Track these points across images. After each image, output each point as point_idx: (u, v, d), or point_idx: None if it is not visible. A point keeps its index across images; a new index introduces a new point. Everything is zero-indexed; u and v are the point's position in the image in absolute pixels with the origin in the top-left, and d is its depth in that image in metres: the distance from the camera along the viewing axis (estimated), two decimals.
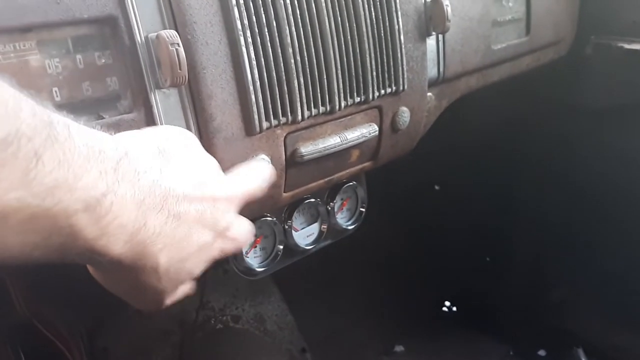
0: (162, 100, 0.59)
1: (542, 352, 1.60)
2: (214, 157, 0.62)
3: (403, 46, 0.80)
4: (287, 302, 1.54)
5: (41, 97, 0.52)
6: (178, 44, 0.56)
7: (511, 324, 1.64)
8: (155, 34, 0.56)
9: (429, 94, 0.92)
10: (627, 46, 1.26)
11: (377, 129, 0.82)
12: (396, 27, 0.79)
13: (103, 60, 0.56)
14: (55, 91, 0.54)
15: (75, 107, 0.55)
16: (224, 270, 1.41)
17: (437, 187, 1.83)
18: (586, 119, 1.39)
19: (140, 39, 0.56)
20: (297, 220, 0.88)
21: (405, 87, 0.83)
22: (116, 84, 0.57)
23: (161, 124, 0.59)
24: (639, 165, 1.32)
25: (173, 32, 0.56)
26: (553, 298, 1.60)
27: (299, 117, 0.70)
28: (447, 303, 1.83)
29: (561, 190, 1.50)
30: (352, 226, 0.96)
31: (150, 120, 0.58)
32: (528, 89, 1.35)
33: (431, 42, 0.88)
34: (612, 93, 1.33)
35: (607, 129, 1.37)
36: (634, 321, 1.43)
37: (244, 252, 0.82)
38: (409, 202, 1.80)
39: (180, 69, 0.56)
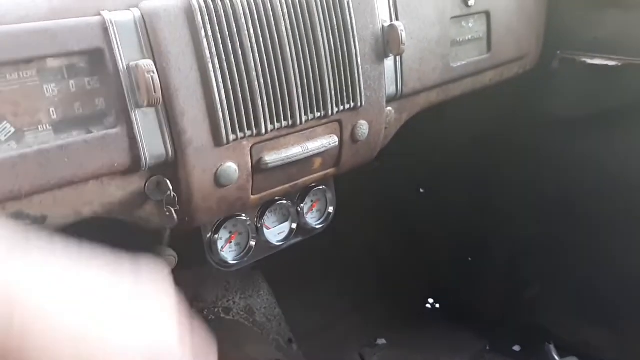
0: (142, 117, 0.71)
1: (516, 348, 1.70)
2: (186, 165, 0.75)
3: (360, 67, 0.92)
4: (275, 296, 1.66)
5: (40, 115, 0.64)
6: (153, 71, 0.68)
7: (489, 321, 1.74)
8: (135, 62, 0.68)
9: (389, 108, 1.03)
10: (589, 61, 1.36)
11: (337, 140, 0.93)
12: (353, 51, 0.90)
13: (92, 85, 0.68)
14: (52, 110, 0.66)
15: (68, 123, 0.67)
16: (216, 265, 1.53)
17: (421, 190, 1.93)
18: (555, 127, 1.49)
19: (123, 67, 0.69)
20: (269, 219, 1.00)
21: (363, 103, 0.94)
22: (103, 104, 0.69)
23: (141, 137, 0.71)
24: (604, 170, 1.42)
25: (149, 62, 0.68)
26: (527, 296, 1.70)
27: (263, 130, 0.82)
28: (430, 300, 1.93)
29: (534, 194, 1.59)
30: (321, 226, 1.07)
31: (131, 134, 0.71)
32: (501, 100, 1.45)
33: (389, 62, 0.99)
34: (578, 104, 1.43)
35: (574, 137, 1.47)
36: (603, 318, 1.52)
37: (219, 247, 0.94)
38: (395, 202, 1.91)
39: (155, 92, 0.68)
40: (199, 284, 1.53)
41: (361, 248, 1.86)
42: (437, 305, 1.93)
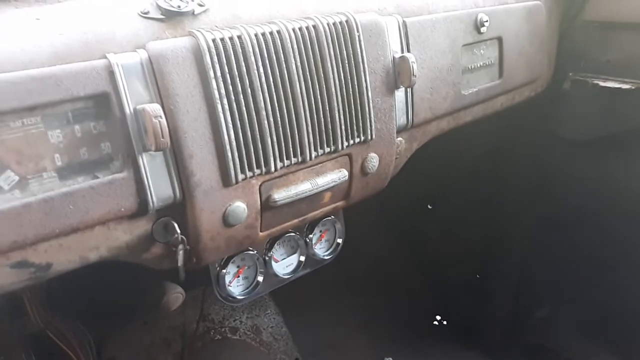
0: (149, 160, 0.70)
1: None
2: (195, 207, 0.73)
3: (371, 100, 0.90)
4: (282, 315, 1.65)
5: (45, 162, 0.63)
6: (161, 116, 0.66)
7: (496, 340, 1.73)
8: (142, 106, 0.67)
9: (399, 138, 1.01)
10: (601, 83, 1.34)
11: (347, 174, 0.92)
12: (364, 84, 0.89)
13: (98, 129, 0.67)
14: (57, 157, 0.65)
15: (73, 169, 0.66)
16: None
17: (430, 207, 1.92)
18: (565, 148, 1.47)
19: (129, 110, 0.67)
20: (277, 252, 0.99)
21: (374, 136, 0.92)
22: (109, 148, 0.68)
23: (148, 181, 0.70)
24: (615, 191, 1.40)
25: (156, 106, 0.67)
26: (536, 316, 1.68)
27: (273, 169, 0.81)
28: (438, 317, 1.92)
29: (543, 214, 1.58)
30: (330, 256, 1.06)
31: (138, 178, 0.69)
32: (511, 119, 1.43)
33: (400, 93, 0.98)
34: (589, 125, 1.41)
35: (585, 158, 1.45)
36: (612, 341, 1.50)
37: (227, 282, 0.93)
38: (403, 219, 1.90)
39: (162, 137, 0.66)
40: (206, 304, 1.52)
41: (369, 265, 1.85)
42: (445, 322, 1.92)
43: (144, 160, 0.69)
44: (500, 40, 1.17)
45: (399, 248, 1.92)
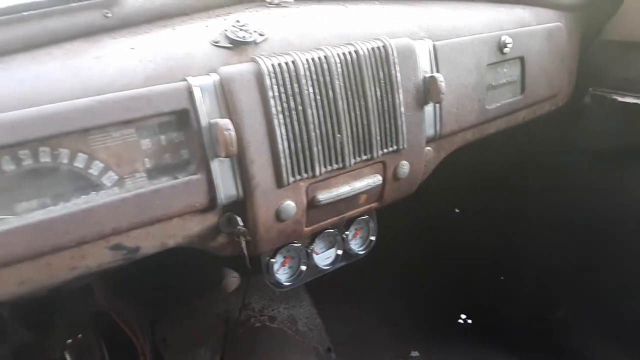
0: (219, 165, 0.85)
1: None
2: (254, 204, 0.88)
3: (403, 115, 1.03)
4: (316, 307, 1.79)
5: (137, 165, 0.79)
6: (230, 129, 0.81)
7: (519, 339, 1.82)
8: (215, 121, 0.82)
9: (428, 148, 1.14)
10: (620, 99, 1.44)
11: (381, 178, 1.05)
12: (397, 100, 1.02)
13: (179, 139, 0.82)
14: (147, 160, 0.80)
15: (159, 170, 0.81)
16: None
17: (457, 210, 2.03)
18: (585, 158, 1.58)
19: (205, 123, 0.82)
20: (317, 245, 1.12)
21: (405, 145, 1.05)
22: (187, 154, 0.83)
23: (217, 182, 0.85)
24: (630, 200, 1.50)
25: (227, 121, 0.81)
26: (557, 317, 1.77)
27: (318, 173, 0.95)
28: (463, 316, 2.02)
29: (565, 220, 1.68)
30: (363, 252, 1.19)
31: (209, 179, 0.84)
32: (535, 131, 1.54)
33: (429, 108, 1.10)
34: (608, 137, 1.52)
35: (604, 168, 1.55)
36: (634, 342, 1.58)
37: (275, 270, 1.07)
38: (432, 221, 2.01)
39: (232, 147, 0.81)
40: (248, 294, 1.67)
41: (399, 264, 1.97)
42: (469, 321, 2.02)
43: (214, 165, 0.84)
44: (522, 59, 1.29)
45: (426, 248, 2.03)
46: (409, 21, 1.11)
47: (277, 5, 1.01)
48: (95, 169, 0.76)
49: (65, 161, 0.74)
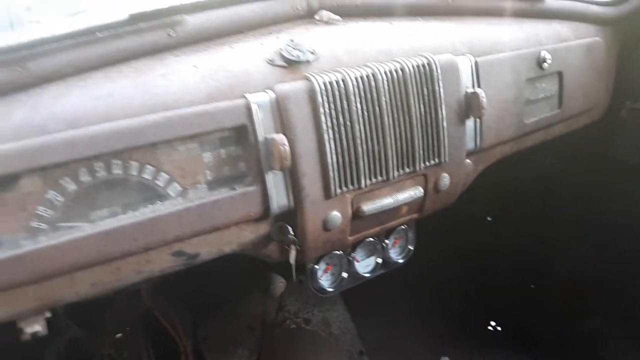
0: (273, 177, 0.90)
1: None
2: (303, 214, 0.92)
3: (445, 129, 1.07)
4: (349, 311, 1.83)
5: (199, 177, 0.84)
6: (285, 144, 0.86)
7: (548, 348, 1.84)
8: (271, 136, 0.86)
9: (467, 161, 1.17)
10: None
11: (423, 191, 1.09)
12: (440, 115, 1.06)
13: (237, 152, 0.87)
14: (208, 173, 0.85)
15: (218, 182, 0.86)
16: (299, 281, 1.72)
17: (489, 219, 2.05)
18: (621, 171, 1.59)
19: (261, 138, 0.87)
20: (359, 253, 1.17)
21: (447, 159, 1.09)
22: (244, 167, 0.88)
23: (271, 193, 0.89)
24: None
25: (282, 136, 0.86)
26: (587, 327, 1.79)
27: (363, 185, 0.99)
28: (493, 323, 2.05)
29: (597, 230, 1.69)
30: (402, 260, 1.23)
31: (264, 190, 0.89)
32: (570, 142, 1.56)
33: (470, 122, 1.14)
34: None
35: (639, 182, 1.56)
36: None
37: (318, 276, 1.12)
38: (464, 229, 2.04)
39: (286, 160, 0.86)
40: (285, 296, 1.72)
41: (430, 270, 2.00)
42: (499, 328, 2.04)
43: (269, 177, 0.89)
44: (560, 74, 1.31)
45: (459, 255, 2.06)
46: (451, 37, 1.15)
47: (326, 22, 1.06)
48: (161, 180, 0.81)
49: (135, 173, 0.79)
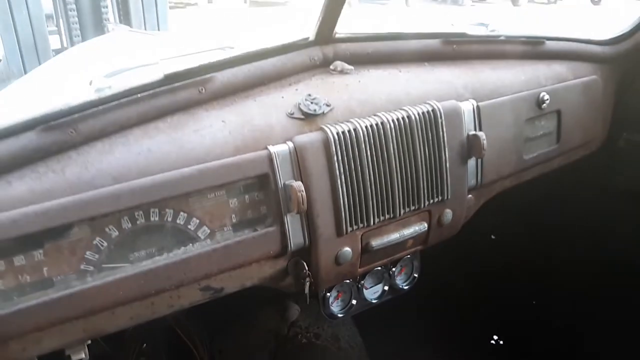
0: (291, 219, 1.00)
1: None
2: (317, 251, 1.02)
3: (448, 169, 1.16)
4: (358, 326, 1.93)
5: (225, 220, 0.94)
6: (302, 190, 0.96)
7: None
8: (290, 183, 0.96)
9: (469, 196, 1.27)
10: None
11: (427, 225, 1.18)
12: (444, 157, 1.15)
13: (259, 197, 0.97)
14: (233, 216, 0.95)
15: (242, 224, 0.97)
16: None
17: (493, 237, 2.14)
18: (618, 198, 1.67)
19: (281, 185, 0.97)
20: (367, 281, 1.26)
21: (449, 196, 1.18)
22: (265, 210, 0.98)
23: (289, 233, 0.99)
24: None
25: (300, 184, 0.96)
26: (586, 349, 1.87)
27: (372, 223, 1.09)
28: (495, 337, 2.14)
29: (597, 254, 1.77)
30: (407, 287, 1.33)
31: (283, 231, 0.99)
32: (570, 170, 1.64)
33: (471, 161, 1.23)
34: None
35: (636, 207, 1.64)
36: None
37: (330, 303, 1.22)
38: (468, 246, 2.13)
39: (303, 205, 0.96)
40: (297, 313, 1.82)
41: (435, 285, 2.09)
42: (501, 342, 2.13)
43: (287, 219, 0.99)
44: (559, 112, 1.40)
45: (463, 272, 2.14)
46: (455, 83, 1.24)
47: (340, 72, 1.15)
48: (192, 224, 0.92)
49: (169, 219, 0.90)
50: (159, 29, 3.75)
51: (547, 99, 1.34)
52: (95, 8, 3.41)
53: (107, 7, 3.48)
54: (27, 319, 0.81)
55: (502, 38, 1.36)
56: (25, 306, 0.80)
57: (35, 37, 3.45)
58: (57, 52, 3.67)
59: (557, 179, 1.72)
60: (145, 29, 3.66)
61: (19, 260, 0.80)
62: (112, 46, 2.19)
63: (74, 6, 3.35)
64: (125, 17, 3.65)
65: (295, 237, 1.01)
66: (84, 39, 3.41)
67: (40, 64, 3.49)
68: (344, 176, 1.03)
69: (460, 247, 2.10)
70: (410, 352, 1.96)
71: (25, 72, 3.51)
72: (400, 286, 1.31)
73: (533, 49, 1.40)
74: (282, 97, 1.05)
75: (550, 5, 19.11)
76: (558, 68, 1.43)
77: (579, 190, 1.77)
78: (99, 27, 3.41)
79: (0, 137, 0.80)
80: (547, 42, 1.42)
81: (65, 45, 3.74)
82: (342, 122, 1.04)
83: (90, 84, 0.97)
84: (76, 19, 3.38)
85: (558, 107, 1.39)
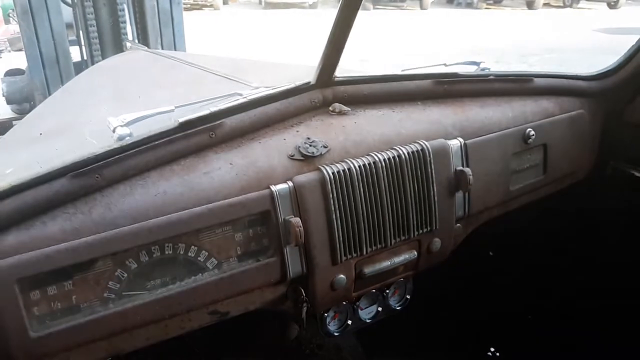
0: (290, 250, 1.11)
1: None
2: (314, 278, 1.14)
3: (436, 202, 1.27)
4: (358, 339, 2.04)
5: (231, 252, 1.06)
6: (300, 226, 1.07)
7: None
8: (289, 218, 1.08)
9: (458, 225, 1.37)
10: (637, 174, 1.63)
11: (416, 253, 1.29)
12: (432, 192, 1.26)
13: (261, 231, 1.09)
14: (238, 248, 1.07)
15: (246, 255, 1.08)
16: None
17: (491, 253, 2.23)
18: (607, 220, 1.76)
19: (281, 220, 1.09)
20: (362, 302, 1.37)
21: (437, 227, 1.29)
22: (267, 242, 1.10)
23: (288, 263, 1.11)
24: None
25: (298, 220, 1.08)
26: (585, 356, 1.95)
27: (364, 253, 1.20)
28: (492, 349, 2.23)
29: (593, 264, 1.85)
30: (400, 307, 1.43)
31: (283, 261, 1.11)
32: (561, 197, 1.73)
33: (459, 194, 1.33)
34: (629, 209, 1.70)
35: (624, 227, 1.73)
36: None
37: (327, 322, 1.33)
38: (466, 262, 2.22)
39: (301, 238, 1.07)
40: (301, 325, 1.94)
41: (434, 298, 2.19)
42: (497, 354, 2.23)
43: (287, 251, 1.11)
44: (545, 146, 1.50)
45: (461, 287, 2.24)
46: (444, 122, 1.34)
47: (339, 113, 1.27)
48: (202, 256, 1.04)
49: (182, 252, 1.02)
50: (175, 45, 3.91)
51: (533, 135, 1.44)
52: (114, 23, 3.56)
53: (125, 22, 3.62)
54: (57, 340, 0.93)
55: (491, 77, 1.46)
56: (56, 329, 0.93)
57: (57, 51, 3.61)
58: (77, 65, 3.84)
59: (548, 204, 1.82)
60: (162, 46, 3.81)
61: (51, 290, 0.93)
62: (131, 72, 2.33)
63: (94, 22, 3.50)
64: (142, 32, 3.80)
65: (294, 266, 1.13)
66: (103, 53, 3.56)
67: (61, 76, 3.65)
68: (339, 211, 1.14)
69: (458, 262, 2.21)
70: None
71: (48, 85, 3.68)
72: (394, 307, 1.42)
73: (521, 87, 1.50)
74: (284, 140, 1.17)
75: (566, 8, 19.04)
76: (545, 104, 1.52)
77: (570, 214, 1.86)
78: (118, 42, 3.56)
79: (36, 184, 0.92)
80: (535, 80, 1.52)
81: (85, 57, 3.90)
82: (337, 162, 1.15)
83: (114, 131, 1.09)
84: (96, 33, 3.53)
85: (544, 141, 1.49)
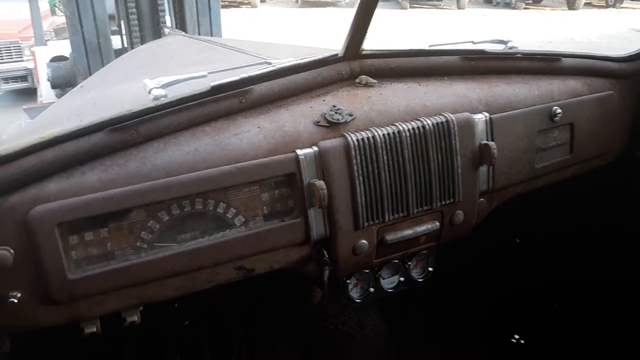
0: (314, 212, 1.15)
1: None
2: (336, 241, 1.18)
3: (460, 175, 1.29)
4: (382, 315, 2.07)
5: (258, 211, 1.11)
6: (324, 188, 1.11)
7: None
8: (314, 181, 1.12)
9: (482, 199, 1.39)
10: None
11: (439, 224, 1.32)
12: (455, 164, 1.28)
13: (287, 193, 1.14)
14: (264, 208, 1.12)
15: (272, 215, 1.13)
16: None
17: (517, 240, 2.23)
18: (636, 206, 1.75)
19: (306, 183, 1.13)
20: (384, 272, 1.41)
21: (461, 199, 1.31)
22: (292, 204, 1.15)
23: (312, 224, 1.15)
24: None
25: (322, 182, 1.12)
26: (610, 351, 1.94)
27: (387, 219, 1.23)
28: (516, 336, 2.23)
29: (619, 253, 1.84)
30: (422, 279, 1.46)
31: (307, 222, 1.15)
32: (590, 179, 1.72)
33: (483, 168, 1.35)
34: None
35: None
36: None
37: (349, 289, 1.37)
38: (493, 249, 2.23)
39: (324, 201, 1.11)
40: (325, 302, 1.98)
41: (458, 284, 2.20)
42: (522, 342, 2.22)
43: (310, 212, 1.15)
44: (572, 125, 1.50)
45: (487, 273, 2.25)
46: (470, 96, 1.36)
47: (365, 85, 1.30)
48: (230, 213, 1.09)
49: (211, 208, 1.07)
50: (211, 33, 4.00)
51: (560, 113, 1.45)
52: (154, 12, 3.66)
53: (164, 11, 3.72)
54: (93, 283, 1.00)
55: (518, 55, 1.48)
56: (92, 273, 0.99)
57: (99, 38, 3.74)
58: (118, 52, 3.96)
59: (576, 186, 1.81)
60: (199, 32, 3.91)
61: (88, 235, 0.99)
62: (168, 52, 2.41)
63: (134, 10, 3.61)
64: (180, 21, 3.91)
65: (318, 228, 1.17)
66: (142, 41, 3.67)
67: (103, 63, 3.78)
68: (362, 177, 1.18)
69: (486, 249, 2.21)
70: (432, 343, 2.08)
71: (90, 70, 3.81)
72: (416, 278, 1.45)
73: (549, 65, 1.51)
74: (311, 107, 1.21)
75: (609, 8, 18.55)
76: (573, 83, 1.53)
77: (599, 197, 1.84)
78: (157, 30, 3.66)
79: (76, 136, 0.99)
80: (563, 59, 1.52)
81: (125, 45, 4.03)
82: (362, 130, 1.19)
83: (149, 92, 1.15)
84: (136, 22, 3.64)
85: (571, 120, 1.49)
